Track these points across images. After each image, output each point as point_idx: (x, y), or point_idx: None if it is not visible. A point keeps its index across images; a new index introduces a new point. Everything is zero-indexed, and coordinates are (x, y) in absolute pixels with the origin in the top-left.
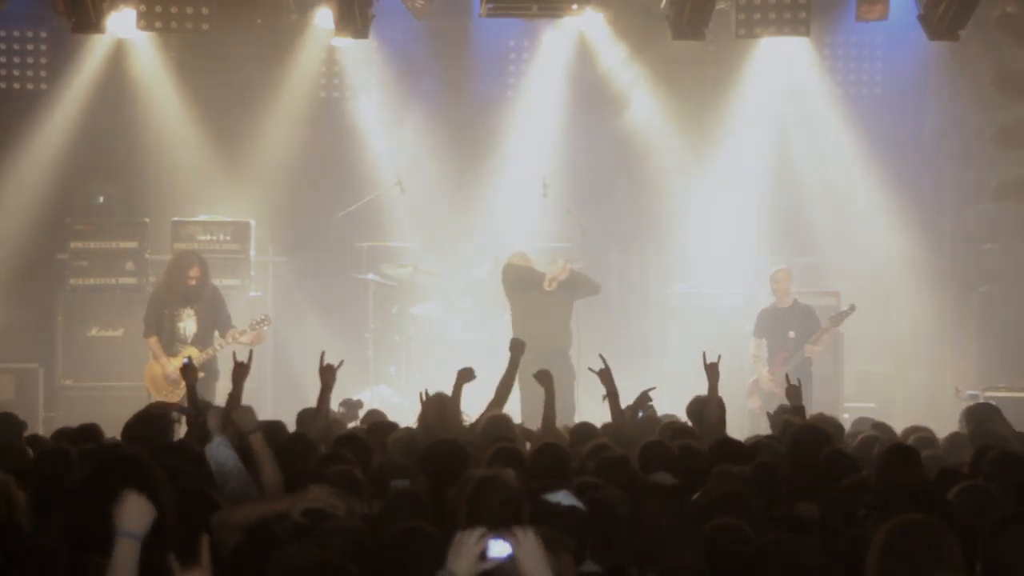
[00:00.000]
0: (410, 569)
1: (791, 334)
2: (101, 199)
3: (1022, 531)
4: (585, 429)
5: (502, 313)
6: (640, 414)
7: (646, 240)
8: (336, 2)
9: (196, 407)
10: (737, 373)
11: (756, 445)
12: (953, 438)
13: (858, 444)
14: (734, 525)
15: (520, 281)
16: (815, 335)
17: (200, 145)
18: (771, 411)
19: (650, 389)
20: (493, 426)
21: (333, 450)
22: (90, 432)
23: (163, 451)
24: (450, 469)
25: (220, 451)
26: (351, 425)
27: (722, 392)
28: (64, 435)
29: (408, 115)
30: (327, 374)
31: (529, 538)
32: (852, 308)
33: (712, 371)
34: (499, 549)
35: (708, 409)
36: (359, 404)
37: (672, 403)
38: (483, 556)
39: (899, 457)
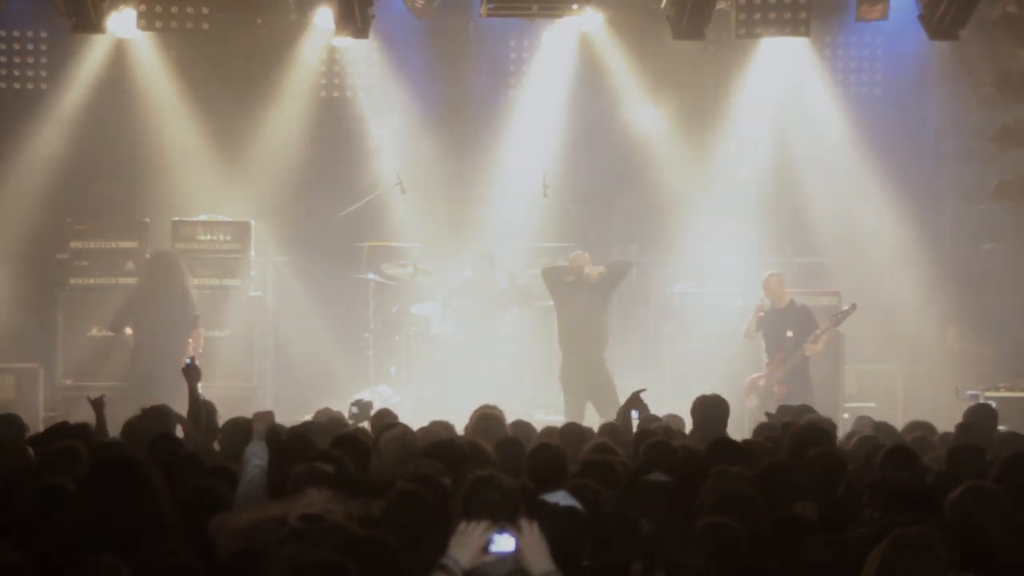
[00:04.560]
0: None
1: (789, 334)
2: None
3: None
4: (575, 431)
5: (500, 313)
6: (635, 416)
7: (646, 240)
8: (336, 2)
9: (197, 407)
10: (737, 375)
11: (756, 446)
12: (944, 439)
13: (854, 445)
14: (736, 525)
15: (559, 276)
16: (815, 334)
17: (200, 145)
18: (770, 411)
19: (640, 390)
20: (484, 424)
21: (329, 450)
22: (83, 431)
23: (162, 450)
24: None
25: (250, 455)
26: (363, 425)
27: (722, 393)
28: (60, 432)
29: (408, 115)
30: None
31: (533, 531)
32: (853, 307)
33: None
34: (503, 543)
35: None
36: (370, 404)
37: (672, 403)
38: (486, 548)
39: (899, 459)
